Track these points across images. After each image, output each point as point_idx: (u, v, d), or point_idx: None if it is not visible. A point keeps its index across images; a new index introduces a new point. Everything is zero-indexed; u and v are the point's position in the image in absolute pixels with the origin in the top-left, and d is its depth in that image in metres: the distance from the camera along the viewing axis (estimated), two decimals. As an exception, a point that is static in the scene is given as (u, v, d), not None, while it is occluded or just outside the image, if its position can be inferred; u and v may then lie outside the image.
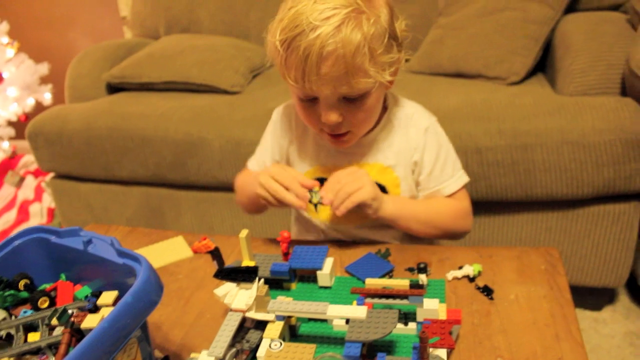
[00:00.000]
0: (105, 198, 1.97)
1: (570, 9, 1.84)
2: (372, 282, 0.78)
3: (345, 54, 0.82)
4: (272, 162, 1.08)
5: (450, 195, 1.02)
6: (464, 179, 1.03)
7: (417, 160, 1.01)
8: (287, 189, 0.90)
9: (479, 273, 0.88)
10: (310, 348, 0.68)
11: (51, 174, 2.11)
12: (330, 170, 1.01)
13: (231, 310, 0.74)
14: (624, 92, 1.57)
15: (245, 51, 2.12)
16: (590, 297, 1.71)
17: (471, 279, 0.87)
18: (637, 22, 1.65)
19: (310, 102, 0.91)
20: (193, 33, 2.36)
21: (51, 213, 2.53)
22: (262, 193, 0.92)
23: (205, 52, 2.03)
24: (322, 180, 1.01)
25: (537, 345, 0.73)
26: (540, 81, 1.77)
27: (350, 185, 0.90)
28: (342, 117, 0.91)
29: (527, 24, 1.76)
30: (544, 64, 1.85)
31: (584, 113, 1.44)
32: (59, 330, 0.65)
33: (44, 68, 2.81)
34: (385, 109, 1.02)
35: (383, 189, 1.01)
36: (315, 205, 0.96)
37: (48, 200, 2.61)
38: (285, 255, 0.90)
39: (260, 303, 0.73)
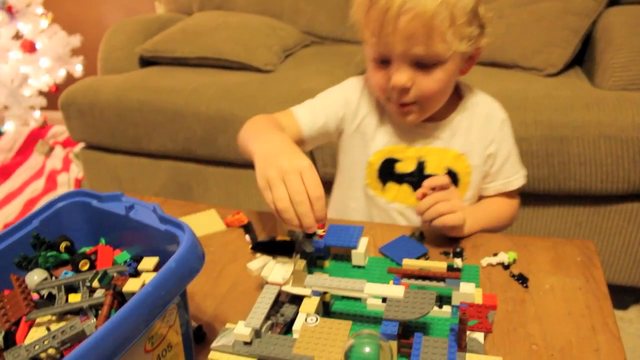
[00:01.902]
0: (134, 170, 1.99)
1: (614, 1, 1.80)
2: (409, 263, 0.77)
3: (425, 12, 0.83)
4: (324, 124, 1.03)
5: (513, 191, 1.05)
6: (524, 174, 1.06)
7: (492, 152, 1.02)
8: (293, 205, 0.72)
9: (514, 261, 0.87)
10: (346, 324, 0.68)
11: (81, 145, 2.13)
12: (404, 151, 1.01)
13: (267, 283, 0.74)
14: (665, 88, 1.54)
15: (279, 30, 2.11)
16: (617, 295, 1.68)
17: (505, 267, 0.86)
18: (683, 17, 1.61)
19: (383, 64, 0.92)
20: (226, 10, 2.35)
21: (78, 183, 2.57)
22: (267, 196, 0.74)
23: (239, 29, 2.02)
24: (392, 161, 1.02)
25: (573, 336, 0.72)
26: (578, 74, 1.74)
27: (444, 205, 0.88)
28: (411, 82, 0.90)
29: (567, 15, 1.73)
30: (581, 58, 1.82)
31: (624, 108, 1.41)
32: (99, 293, 0.66)
33: (76, 40, 2.83)
34: (461, 97, 1.03)
35: (455, 177, 1.01)
36: (308, 236, 0.78)
37: (75, 171, 2.65)
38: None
39: (297, 277, 0.73)
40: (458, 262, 0.83)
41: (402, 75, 0.89)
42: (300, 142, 1.02)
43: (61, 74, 2.83)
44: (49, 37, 2.78)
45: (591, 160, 1.42)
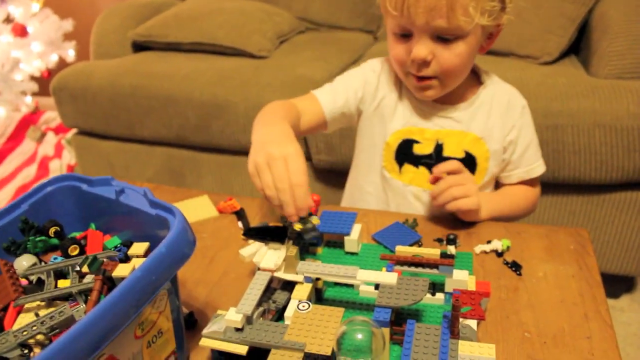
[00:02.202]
0: (127, 157, 1.98)
1: (611, -11, 1.79)
2: (403, 250, 0.77)
3: None
4: (344, 103, 1.02)
5: (534, 179, 1.05)
6: (543, 163, 1.06)
7: (513, 139, 1.01)
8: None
9: (508, 248, 0.87)
10: (338, 311, 0.67)
11: (73, 130, 2.11)
12: (422, 132, 1.01)
13: (259, 269, 0.73)
14: (660, 77, 1.53)
15: (274, 16, 2.09)
16: (609, 284, 1.68)
17: (499, 254, 0.86)
18: (679, 5, 1.60)
19: (403, 37, 0.92)
20: (221, -5, 2.32)
21: (71, 170, 2.55)
22: (255, 182, 0.75)
23: (233, 14, 2.00)
24: (410, 142, 1.01)
25: (565, 323, 0.72)
26: (573, 62, 1.73)
27: (458, 189, 0.89)
28: (431, 55, 0.90)
29: (564, 3, 1.71)
30: (577, 46, 1.81)
31: (619, 96, 1.41)
32: (89, 278, 0.65)
33: (68, 24, 2.80)
34: (480, 81, 1.03)
35: (473, 160, 1.01)
36: (300, 234, 0.77)
37: (67, 158, 2.63)
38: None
39: (289, 264, 0.72)
40: (451, 249, 0.83)
41: (422, 48, 0.89)
42: (322, 124, 1.03)
43: (53, 58, 2.80)
44: (40, 21, 2.74)
45: (585, 148, 1.42)
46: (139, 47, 2.11)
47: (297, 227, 0.74)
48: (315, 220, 0.75)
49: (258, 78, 1.73)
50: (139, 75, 1.83)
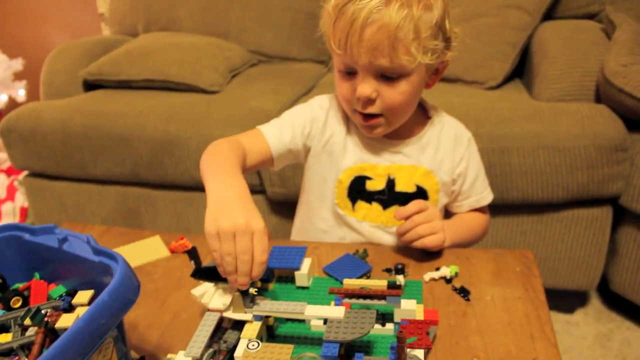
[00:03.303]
0: (80, 197, 1.94)
1: (547, 16, 1.88)
2: (350, 283, 0.78)
3: (390, 25, 0.85)
4: (291, 140, 1.02)
5: (484, 206, 1.10)
6: (491, 191, 1.11)
7: (462, 171, 1.05)
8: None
9: (456, 274, 0.89)
10: (287, 348, 0.68)
11: (25, 172, 2.07)
12: (373, 168, 1.02)
13: (208, 310, 0.73)
14: (597, 99, 1.61)
15: (225, 50, 2.11)
16: (563, 299, 1.74)
17: (448, 280, 0.88)
18: (611, 31, 1.69)
19: (349, 75, 0.93)
20: (172, 31, 2.33)
21: (24, 212, 2.48)
22: (213, 244, 0.71)
23: (185, 50, 2.01)
24: (363, 179, 1.02)
25: (512, 345, 0.74)
26: (517, 86, 1.80)
27: (424, 228, 0.92)
28: (376, 93, 0.91)
29: (505, 30, 1.79)
30: (521, 70, 1.88)
31: (560, 118, 1.47)
32: (32, 331, 0.64)
33: (17, 64, 2.75)
34: (428, 118, 1.05)
35: (424, 193, 1.03)
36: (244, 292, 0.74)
37: (21, 200, 2.56)
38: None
39: (238, 303, 0.72)
40: (400, 279, 0.84)
41: (366, 87, 0.91)
42: (269, 161, 1.02)
43: (2, 99, 2.74)
44: (-12, 61, 2.69)
45: (531, 169, 1.46)
46: (91, 86, 2.10)
47: (252, 290, 0.74)
48: (254, 290, 0.74)
49: (210, 113, 1.73)
50: (90, 115, 1.81)
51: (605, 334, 1.66)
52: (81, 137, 1.79)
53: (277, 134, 1.02)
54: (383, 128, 0.97)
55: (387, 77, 0.91)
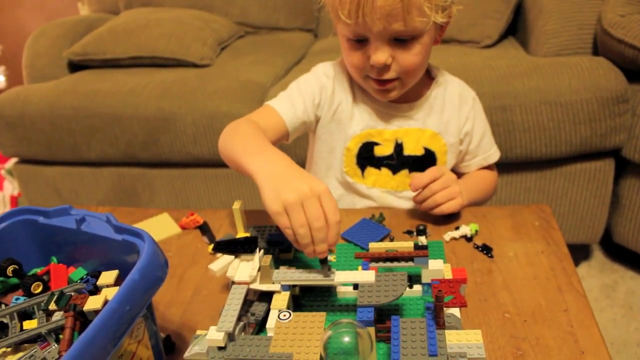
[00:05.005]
0: (74, 181, 1.91)
1: (539, -30, 1.85)
2: (376, 246, 0.77)
3: None
4: (303, 112, 0.99)
5: (492, 163, 1.09)
6: (497, 149, 1.10)
7: (468, 130, 1.03)
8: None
9: (476, 232, 0.88)
10: (320, 316, 0.66)
11: (14, 159, 2.02)
12: (381, 134, 1.00)
13: (234, 283, 0.71)
14: (595, 51, 1.59)
15: (212, 23, 2.06)
16: (568, 253, 1.75)
17: (468, 239, 0.87)
18: (605, -19, 1.67)
19: (359, 43, 0.90)
20: (155, 7, 2.27)
21: (14, 201, 2.44)
22: (282, 221, 0.68)
23: (171, 24, 1.96)
24: (371, 145, 1.01)
25: (541, 299, 0.74)
26: (513, 44, 1.78)
27: (442, 195, 0.90)
28: (391, 58, 0.89)
29: (497, -14, 1.76)
30: (513, 27, 1.86)
31: (560, 73, 1.46)
32: (57, 316, 0.62)
33: (-5, 49, 2.68)
34: (431, 76, 1.03)
35: (432, 156, 1.02)
36: (323, 261, 0.71)
37: (10, 189, 2.51)
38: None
39: (265, 274, 0.71)
40: (423, 240, 0.83)
41: (381, 54, 0.88)
42: (285, 135, 0.98)
43: (-18, 87, 2.67)
44: (-36, 48, 2.61)
45: (534, 126, 1.45)
46: (76, 66, 2.04)
47: (332, 257, 0.72)
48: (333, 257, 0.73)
49: (203, 87, 1.70)
50: (79, 96, 1.76)
51: (610, 285, 1.68)
52: (71, 119, 1.75)
53: (290, 108, 0.98)
54: (398, 91, 0.95)
55: (400, 40, 0.88)
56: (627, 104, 1.44)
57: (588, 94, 1.42)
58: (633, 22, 1.44)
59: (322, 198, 0.68)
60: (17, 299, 0.66)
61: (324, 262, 0.70)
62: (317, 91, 1.01)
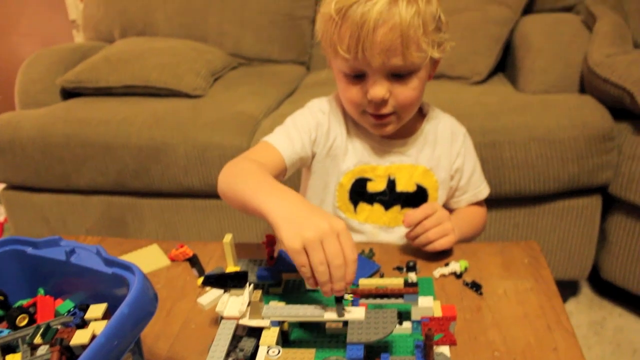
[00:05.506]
0: (63, 209, 1.89)
1: (527, 10, 1.90)
2: (366, 282, 0.76)
3: (402, 23, 0.83)
4: (301, 148, 0.99)
5: (481, 200, 1.10)
6: (487, 185, 1.11)
7: (459, 167, 1.04)
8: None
9: (466, 269, 0.88)
10: (309, 353, 0.66)
11: (2, 185, 2.00)
12: (374, 169, 1.01)
13: (223, 318, 0.71)
14: (581, 89, 1.63)
15: (205, 54, 2.08)
16: (556, 290, 1.75)
17: (458, 276, 0.87)
18: (591, 22, 1.71)
19: (357, 78, 0.91)
20: (149, 36, 2.29)
21: (1, 227, 2.41)
22: (301, 259, 0.68)
23: (165, 55, 1.97)
24: (363, 181, 1.01)
25: (531, 337, 0.74)
26: (502, 80, 1.81)
27: (435, 232, 0.90)
28: (389, 93, 0.90)
29: (487, 25, 1.80)
30: (502, 64, 1.89)
31: (548, 110, 1.48)
32: (42, 350, 0.61)
33: (-12, 75, 2.68)
34: (424, 115, 1.04)
35: (424, 192, 1.03)
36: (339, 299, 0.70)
37: (-3, 214, 2.49)
38: (271, 259, 0.88)
39: (254, 309, 0.70)
40: (412, 277, 0.83)
41: (380, 88, 0.89)
42: (283, 172, 0.97)
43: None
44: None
45: (523, 162, 1.47)
46: (69, 94, 2.04)
47: (348, 297, 0.72)
48: (349, 296, 0.73)
49: (196, 118, 1.70)
50: (71, 123, 1.76)
51: (599, 322, 1.68)
52: (63, 146, 1.74)
53: (288, 144, 0.98)
54: (394, 125, 0.96)
55: (398, 75, 0.89)
56: (613, 142, 1.47)
57: (575, 132, 1.44)
58: (618, 62, 1.48)
59: (341, 236, 0.68)
60: (1, 332, 0.65)
61: (339, 300, 0.68)
62: (313, 127, 1.01)
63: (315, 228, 0.67)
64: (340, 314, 0.69)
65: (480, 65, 1.76)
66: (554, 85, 1.61)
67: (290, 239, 0.67)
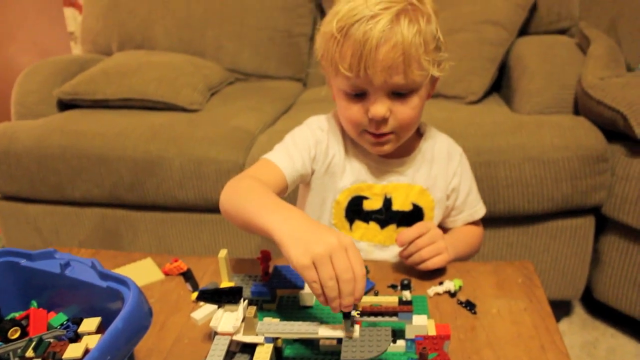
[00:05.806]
0: (56, 220, 1.88)
1: (522, 32, 1.92)
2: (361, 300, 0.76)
3: (404, 42, 0.84)
4: (302, 165, 0.99)
5: (477, 219, 1.11)
6: (483, 204, 1.12)
7: (455, 186, 1.05)
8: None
9: (460, 288, 0.89)
10: (303, 370, 0.66)
11: (-6, 196, 1.99)
12: (370, 188, 1.01)
13: (217, 333, 0.71)
14: (575, 111, 1.64)
15: (203, 68, 2.09)
16: (549, 310, 1.75)
17: (452, 294, 0.88)
18: (585, 45, 1.73)
19: (357, 97, 0.92)
20: (147, 50, 2.30)
21: (-7, 237, 2.39)
22: (310, 275, 0.67)
23: (163, 68, 1.98)
24: (360, 199, 1.01)
25: (525, 357, 0.74)
26: (497, 100, 1.82)
27: (428, 251, 0.91)
28: (389, 112, 0.90)
29: (483, 45, 1.82)
30: (499, 85, 1.91)
31: (543, 131, 1.49)
32: (34, 362, 0.60)
33: (-16, 85, 2.68)
34: (421, 135, 1.05)
35: (420, 211, 1.03)
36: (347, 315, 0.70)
37: (-10, 224, 2.47)
38: (266, 274, 0.87)
39: (249, 325, 0.70)
40: (407, 295, 0.83)
41: (381, 107, 0.89)
42: (283, 189, 0.97)
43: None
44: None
45: (517, 182, 1.48)
46: (65, 105, 2.04)
47: (355, 313, 0.70)
48: (356, 312, 0.71)
49: (192, 132, 1.71)
50: (67, 135, 1.76)
51: (592, 342, 1.68)
52: (58, 157, 1.74)
53: (289, 161, 0.98)
54: (392, 144, 0.97)
55: (399, 94, 0.90)
56: (607, 163, 1.48)
57: (569, 152, 1.45)
58: (611, 85, 1.50)
59: (349, 251, 0.68)
60: (-7, 344, 0.65)
61: (347, 316, 0.68)
62: (312, 144, 1.01)
63: (324, 243, 0.67)
64: (349, 330, 0.68)
65: (476, 85, 1.78)
66: (549, 107, 1.62)
67: (299, 256, 0.67)
